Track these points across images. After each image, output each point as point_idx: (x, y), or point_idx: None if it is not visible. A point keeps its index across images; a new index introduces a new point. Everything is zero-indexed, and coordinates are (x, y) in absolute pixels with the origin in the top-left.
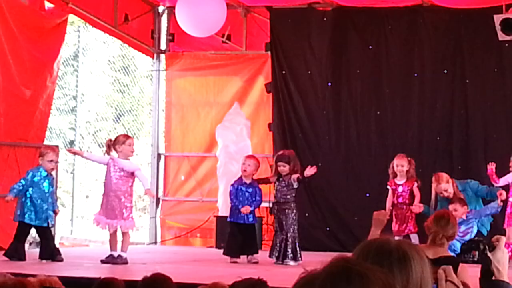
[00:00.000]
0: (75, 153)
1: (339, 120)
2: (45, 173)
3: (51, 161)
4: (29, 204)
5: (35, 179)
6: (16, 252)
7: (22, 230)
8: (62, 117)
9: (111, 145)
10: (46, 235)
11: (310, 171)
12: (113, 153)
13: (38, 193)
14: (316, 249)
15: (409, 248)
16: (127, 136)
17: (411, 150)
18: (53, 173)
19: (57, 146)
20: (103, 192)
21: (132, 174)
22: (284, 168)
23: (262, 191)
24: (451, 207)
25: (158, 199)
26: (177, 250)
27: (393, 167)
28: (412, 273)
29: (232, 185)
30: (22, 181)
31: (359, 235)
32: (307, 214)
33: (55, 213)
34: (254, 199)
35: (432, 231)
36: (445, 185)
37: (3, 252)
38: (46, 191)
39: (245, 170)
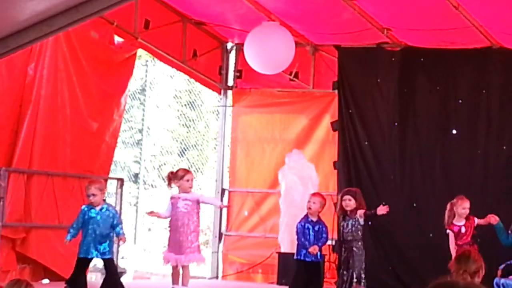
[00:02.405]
0: (153, 215)
1: (405, 159)
2: (91, 207)
3: (93, 195)
4: (83, 239)
5: (88, 214)
6: (75, 283)
7: (80, 264)
8: (127, 150)
9: (172, 178)
10: (107, 267)
11: (382, 209)
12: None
13: (89, 226)
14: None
15: None
16: (186, 171)
17: (476, 190)
18: (105, 205)
19: (111, 179)
20: (169, 228)
21: (197, 204)
22: (350, 203)
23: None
24: None
25: (220, 234)
26: (238, 285)
27: (453, 209)
28: None
29: (299, 222)
30: (75, 222)
31: (421, 274)
32: (369, 253)
33: (121, 240)
34: (320, 237)
35: (453, 269)
36: None
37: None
38: (98, 224)
39: (310, 208)
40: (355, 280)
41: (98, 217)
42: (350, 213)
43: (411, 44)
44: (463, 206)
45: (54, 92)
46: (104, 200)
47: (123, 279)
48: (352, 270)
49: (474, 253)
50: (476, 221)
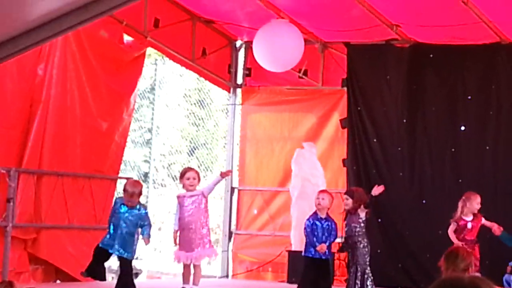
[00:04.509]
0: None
1: (414, 156)
2: (123, 204)
3: (132, 200)
4: (110, 231)
5: (117, 208)
6: (94, 271)
7: (100, 254)
8: (137, 149)
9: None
10: (122, 267)
11: (377, 190)
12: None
13: (119, 222)
14: (388, 285)
15: (482, 284)
16: (187, 170)
17: (485, 187)
18: (138, 205)
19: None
20: (179, 228)
21: (203, 197)
22: (347, 201)
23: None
24: None
25: (230, 233)
26: (248, 284)
27: (466, 204)
28: None
29: (308, 219)
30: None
31: (431, 272)
32: (379, 251)
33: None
34: (329, 234)
35: (442, 268)
36: None
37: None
38: (126, 221)
39: (319, 204)
40: (359, 274)
41: (127, 215)
42: (348, 212)
43: (420, 41)
44: (477, 201)
45: (64, 92)
46: (139, 202)
47: (137, 279)
48: (357, 266)
49: (462, 250)
50: (483, 220)
